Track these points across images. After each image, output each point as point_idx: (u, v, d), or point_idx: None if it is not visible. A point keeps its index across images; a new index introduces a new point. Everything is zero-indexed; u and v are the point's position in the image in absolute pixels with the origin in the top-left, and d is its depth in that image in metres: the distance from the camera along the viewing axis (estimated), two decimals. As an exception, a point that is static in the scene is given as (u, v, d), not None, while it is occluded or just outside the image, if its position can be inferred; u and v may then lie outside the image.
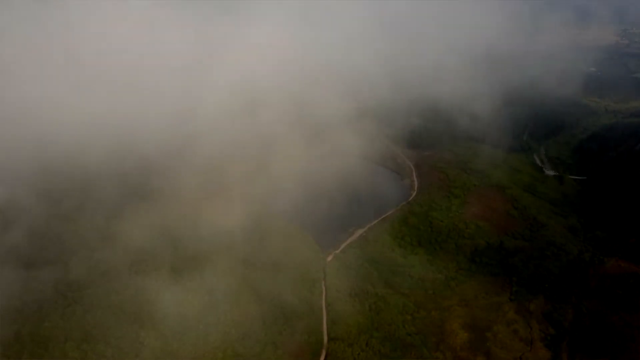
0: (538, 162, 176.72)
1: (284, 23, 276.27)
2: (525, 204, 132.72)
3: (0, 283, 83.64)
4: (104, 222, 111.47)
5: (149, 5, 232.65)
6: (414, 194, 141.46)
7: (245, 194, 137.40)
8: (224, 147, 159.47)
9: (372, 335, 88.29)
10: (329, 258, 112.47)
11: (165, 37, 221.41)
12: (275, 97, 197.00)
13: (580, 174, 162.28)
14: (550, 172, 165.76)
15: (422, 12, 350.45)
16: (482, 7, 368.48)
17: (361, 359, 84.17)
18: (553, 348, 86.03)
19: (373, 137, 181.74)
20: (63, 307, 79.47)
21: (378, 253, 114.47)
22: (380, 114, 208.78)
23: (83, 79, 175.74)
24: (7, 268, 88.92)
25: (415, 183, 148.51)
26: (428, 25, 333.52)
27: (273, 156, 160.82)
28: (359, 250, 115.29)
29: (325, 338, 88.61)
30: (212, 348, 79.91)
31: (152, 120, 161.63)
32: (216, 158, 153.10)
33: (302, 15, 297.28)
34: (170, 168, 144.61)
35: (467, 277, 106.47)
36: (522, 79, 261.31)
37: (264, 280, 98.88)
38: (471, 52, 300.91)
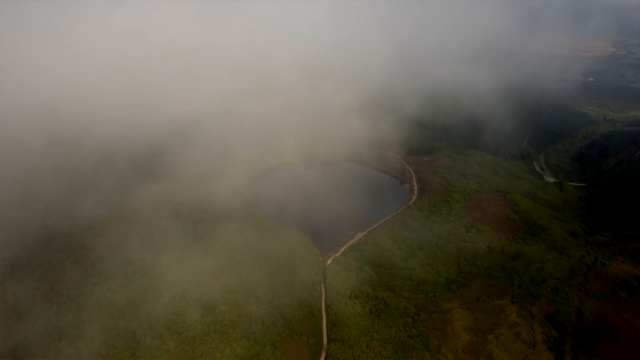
0: (538, 169, 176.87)
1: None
2: (525, 208, 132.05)
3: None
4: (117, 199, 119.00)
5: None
6: (414, 198, 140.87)
7: (245, 193, 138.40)
8: (229, 129, 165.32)
9: (373, 337, 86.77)
10: (329, 261, 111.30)
11: (173, 23, 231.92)
12: (282, 82, 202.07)
13: (580, 181, 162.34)
14: (550, 179, 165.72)
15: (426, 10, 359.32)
16: (487, 11, 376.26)
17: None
18: (556, 350, 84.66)
19: (373, 140, 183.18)
20: (58, 305, 78.05)
21: (378, 256, 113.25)
22: (381, 106, 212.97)
23: (97, 62, 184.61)
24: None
25: (415, 188, 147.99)
26: (432, 22, 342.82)
27: (275, 151, 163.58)
28: (359, 253, 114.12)
29: (325, 340, 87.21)
30: (210, 348, 78.35)
31: (161, 101, 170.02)
32: (221, 141, 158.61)
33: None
34: (178, 148, 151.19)
35: (469, 280, 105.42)
36: (519, 88, 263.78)
37: (263, 282, 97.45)
38: (473, 47, 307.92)
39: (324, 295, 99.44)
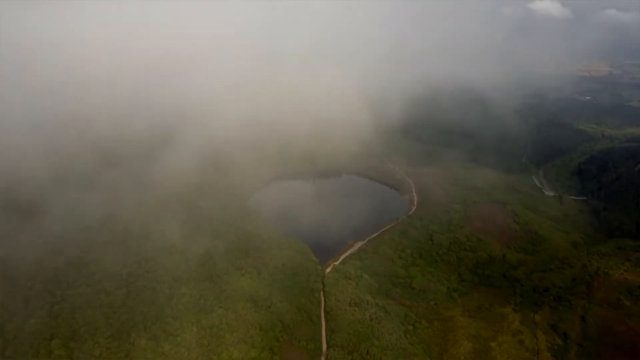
0: (537, 183, 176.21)
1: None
2: (526, 219, 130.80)
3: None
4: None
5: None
6: (414, 208, 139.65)
7: (244, 200, 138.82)
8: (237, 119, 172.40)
9: (373, 343, 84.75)
10: (328, 269, 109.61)
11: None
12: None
13: (579, 195, 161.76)
14: (549, 193, 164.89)
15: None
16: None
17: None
18: (561, 358, 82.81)
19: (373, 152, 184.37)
20: (51, 305, 75.99)
21: (378, 264, 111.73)
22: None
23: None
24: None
25: (415, 198, 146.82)
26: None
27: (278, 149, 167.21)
28: (358, 262, 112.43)
29: (325, 345, 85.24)
30: (207, 351, 76.33)
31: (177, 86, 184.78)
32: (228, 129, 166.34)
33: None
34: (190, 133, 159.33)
35: (470, 288, 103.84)
36: (517, 105, 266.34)
37: (261, 288, 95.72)
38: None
39: (323, 302, 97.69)
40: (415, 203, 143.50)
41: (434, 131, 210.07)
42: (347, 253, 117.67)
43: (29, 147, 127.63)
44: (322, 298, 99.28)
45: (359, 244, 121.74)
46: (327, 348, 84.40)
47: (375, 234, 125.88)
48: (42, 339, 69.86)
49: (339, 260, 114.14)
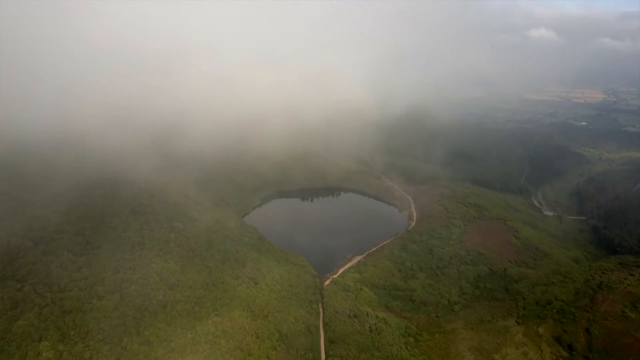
0: (536, 203, 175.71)
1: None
2: (526, 235, 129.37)
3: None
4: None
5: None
6: (413, 223, 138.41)
7: (243, 216, 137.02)
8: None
9: (373, 354, 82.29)
10: (327, 282, 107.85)
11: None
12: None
13: (578, 215, 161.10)
14: (549, 213, 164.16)
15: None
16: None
17: (361, 377, 78.48)
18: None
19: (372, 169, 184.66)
20: (40, 307, 73.10)
21: (377, 277, 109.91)
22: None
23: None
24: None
25: (414, 214, 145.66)
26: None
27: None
28: (357, 275, 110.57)
29: (323, 355, 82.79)
30: (202, 357, 73.49)
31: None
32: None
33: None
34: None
35: (471, 301, 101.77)
36: (514, 130, 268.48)
37: (258, 298, 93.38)
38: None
39: (321, 313, 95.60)
40: (415, 219, 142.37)
41: (431, 150, 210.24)
42: (346, 267, 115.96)
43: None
44: (321, 309, 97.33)
45: (357, 258, 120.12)
46: (326, 358, 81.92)
47: (374, 249, 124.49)
48: (30, 340, 66.81)
49: (338, 274, 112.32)
